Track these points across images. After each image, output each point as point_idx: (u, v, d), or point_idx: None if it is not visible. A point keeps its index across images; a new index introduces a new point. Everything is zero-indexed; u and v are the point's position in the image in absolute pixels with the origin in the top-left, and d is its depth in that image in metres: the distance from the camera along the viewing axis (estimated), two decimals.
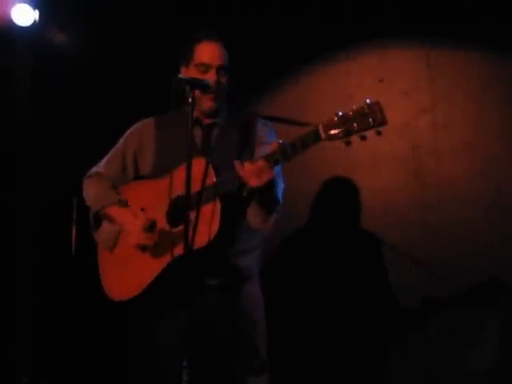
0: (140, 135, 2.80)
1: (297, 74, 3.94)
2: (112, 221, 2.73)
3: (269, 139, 2.66)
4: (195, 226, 2.37)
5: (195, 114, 2.61)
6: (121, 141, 2.86)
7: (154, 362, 2.66)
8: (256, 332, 2.65)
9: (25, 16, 4.12)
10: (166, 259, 2.53)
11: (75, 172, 3.96)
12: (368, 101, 2.22)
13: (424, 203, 3.62)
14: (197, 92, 2.48)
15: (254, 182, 2.33)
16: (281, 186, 2.58)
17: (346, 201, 3.76)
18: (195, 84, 2.47)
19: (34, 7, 4.13)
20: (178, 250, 2.45)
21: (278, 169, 2.47)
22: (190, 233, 2.34)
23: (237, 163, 2.36)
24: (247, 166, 2.34)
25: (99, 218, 2.78)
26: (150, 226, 2.60)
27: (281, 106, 3.91)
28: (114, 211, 2.71)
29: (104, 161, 2.87)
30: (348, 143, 2.23)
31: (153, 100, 2.90)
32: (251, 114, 2.82)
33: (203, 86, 2.52)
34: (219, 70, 2.64)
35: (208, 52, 2.65)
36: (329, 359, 3.62)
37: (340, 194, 3.78)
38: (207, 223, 2.43)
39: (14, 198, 4.19)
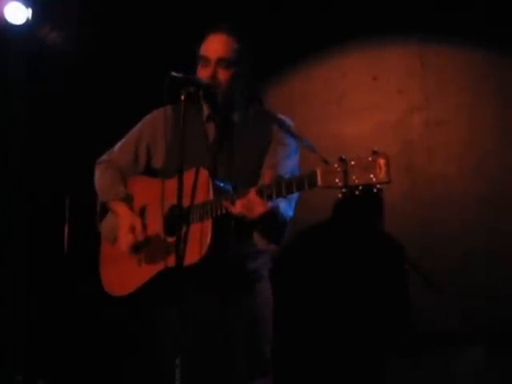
0: (154, 126, 2.72)
1: (291, 71, 3.93)
2: (116, 216, 2.69)
3: (286, 141, 2.60)
4: (186, 241, 2.29)
5: (209, 109, 2.61)
6: (135, 129, 2.79)
7: (152, 361, 2.65)
8: (261, 333, 2.59)
9: (18, 14, 4.11)
10: (157, 267, 2.50)
11: (68, 171, 4.00)
12: (374, 150, 1.99)
13: (417, 200, 3.61)
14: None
15: (246, 216, 2.28)
16: (294, 198, 2.49)
17: (343, 200, 3.74)
18: (188, 81, 2.42)
19: (27, 5, 4.11)
20: (170, 262, 2.40)
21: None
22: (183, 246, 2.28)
23: (227, 204, 2.31)
24: (238, 203, 2.28)
25: (105, 209, 2.74)
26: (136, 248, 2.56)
27: (276, 102, 3.88)
28: (119, 208, 2.67)
29: (117, 147, 2.80)
30: (344, 194, 2.06)
31: (147, 98, 2.87)
32: (270, 112, 2.69)
33: (195, 84, 2.45)
34: (218, 63, 2.52)
35: (208, 45, 2.56)
36: (334, 361, 3.61)
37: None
38: (198, 240, 2.37)
39: (6, 197, 4.17)
